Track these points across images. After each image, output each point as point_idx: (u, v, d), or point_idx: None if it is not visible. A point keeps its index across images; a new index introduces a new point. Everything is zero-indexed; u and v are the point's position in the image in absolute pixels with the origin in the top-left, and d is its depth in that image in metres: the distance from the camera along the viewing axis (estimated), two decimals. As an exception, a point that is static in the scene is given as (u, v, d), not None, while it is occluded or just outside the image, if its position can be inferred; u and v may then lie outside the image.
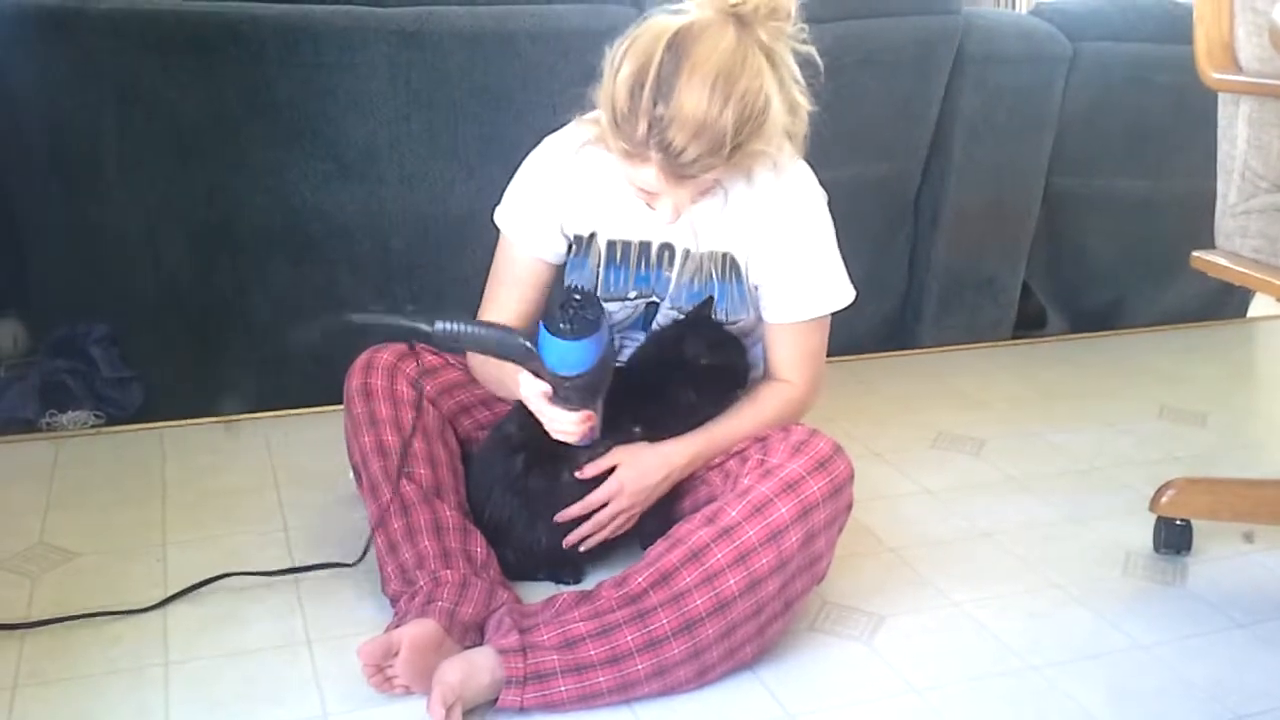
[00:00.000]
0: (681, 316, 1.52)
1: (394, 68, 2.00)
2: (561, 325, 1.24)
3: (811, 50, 1.35)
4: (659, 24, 1.29)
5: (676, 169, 1.29)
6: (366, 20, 1.97)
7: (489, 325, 1.30)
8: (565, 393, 1.30)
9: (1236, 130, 1.63)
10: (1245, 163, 1.61)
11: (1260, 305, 2.91)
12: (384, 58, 1.99)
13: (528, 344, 1.27)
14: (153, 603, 1.48)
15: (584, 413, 1.34)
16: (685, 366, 1.47)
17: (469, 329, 1.27)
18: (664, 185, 1.33)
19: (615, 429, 1.46)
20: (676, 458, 1.48)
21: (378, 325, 1.31)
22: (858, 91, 2.25)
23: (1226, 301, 2.85)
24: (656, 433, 1.49)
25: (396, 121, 2.04)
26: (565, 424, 1.35)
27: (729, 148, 1.28)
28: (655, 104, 1.26)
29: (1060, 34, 2.43)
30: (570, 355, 1.25)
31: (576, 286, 1.24)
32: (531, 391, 1.34)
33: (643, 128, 1.27)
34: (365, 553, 1.51)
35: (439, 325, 1.27)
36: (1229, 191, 1.65)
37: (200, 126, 1.97)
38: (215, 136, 1.98)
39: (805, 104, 1.36)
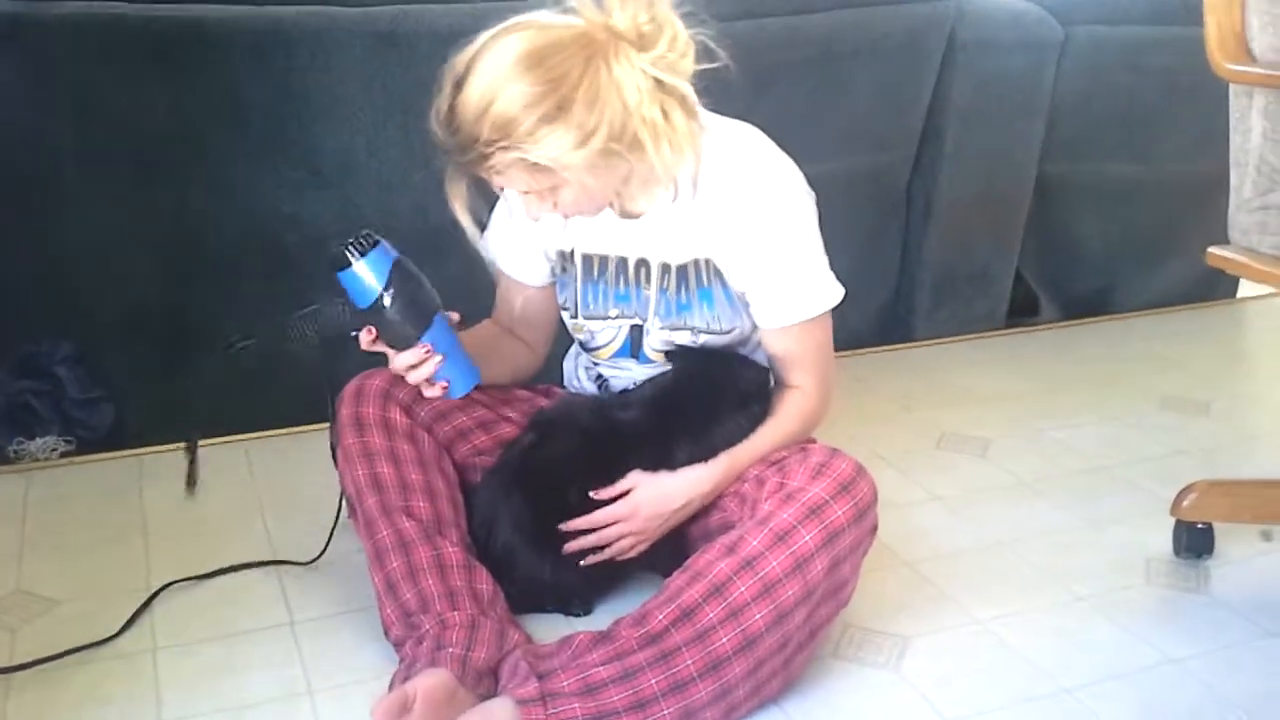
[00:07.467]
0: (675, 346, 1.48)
1: (369, 71, 1.91)
2: (341, 252, 1.30)
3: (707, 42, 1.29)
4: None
5: (473, 164, 1.26)
6: (339, 21, 1.88)
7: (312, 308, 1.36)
8: (392, 326, 1.33)
9: (1250, 123, 1.58)
10: (1261, 156, 1.56)
11: (1250, 285, 2.89)
12: (358, 61, 1.91)
13: (340, 301, 1.33)
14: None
15: (421, 347, 1.35)
16: (732, 396, 1.42)
17: (296, 315, 1.35)
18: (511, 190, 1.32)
19: (654, 460, 1.42)
20: (699, 486, 1.42)
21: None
22: (849, 82, 2.20)
23: (1217, 283, 2.83)
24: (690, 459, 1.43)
25: (373, 127, 1.95)
26: (409, 359, 1.35)
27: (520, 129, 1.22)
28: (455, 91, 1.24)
29: (1051, 18, 2.38)
30: (364, 278, 1.30)
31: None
32: (368, 343, 1.35)
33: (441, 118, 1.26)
34: (324, 549, 1.54)
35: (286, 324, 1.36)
36: (1243, 185, 1.60)
37: (165, 136, 1.88)
38: (182, 146, 1.90)
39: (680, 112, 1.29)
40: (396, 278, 1.31)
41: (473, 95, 1.23)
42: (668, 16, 1.28)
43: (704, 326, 1.47)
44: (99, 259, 1.93)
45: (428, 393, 1.41)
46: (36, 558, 1.63)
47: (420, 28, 1.90)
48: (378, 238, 1.33)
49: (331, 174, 1.96)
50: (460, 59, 1.26)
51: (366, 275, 1.30)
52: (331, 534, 1.56)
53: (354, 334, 1.35)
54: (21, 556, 1.63)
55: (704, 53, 1.30)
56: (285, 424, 2.03)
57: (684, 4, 1.30)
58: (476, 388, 1.45)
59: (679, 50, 1.28)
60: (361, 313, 1.32)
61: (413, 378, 1.39)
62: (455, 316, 1.42)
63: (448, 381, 1.40)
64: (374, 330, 1.34)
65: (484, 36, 1.26)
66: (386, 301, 1.31)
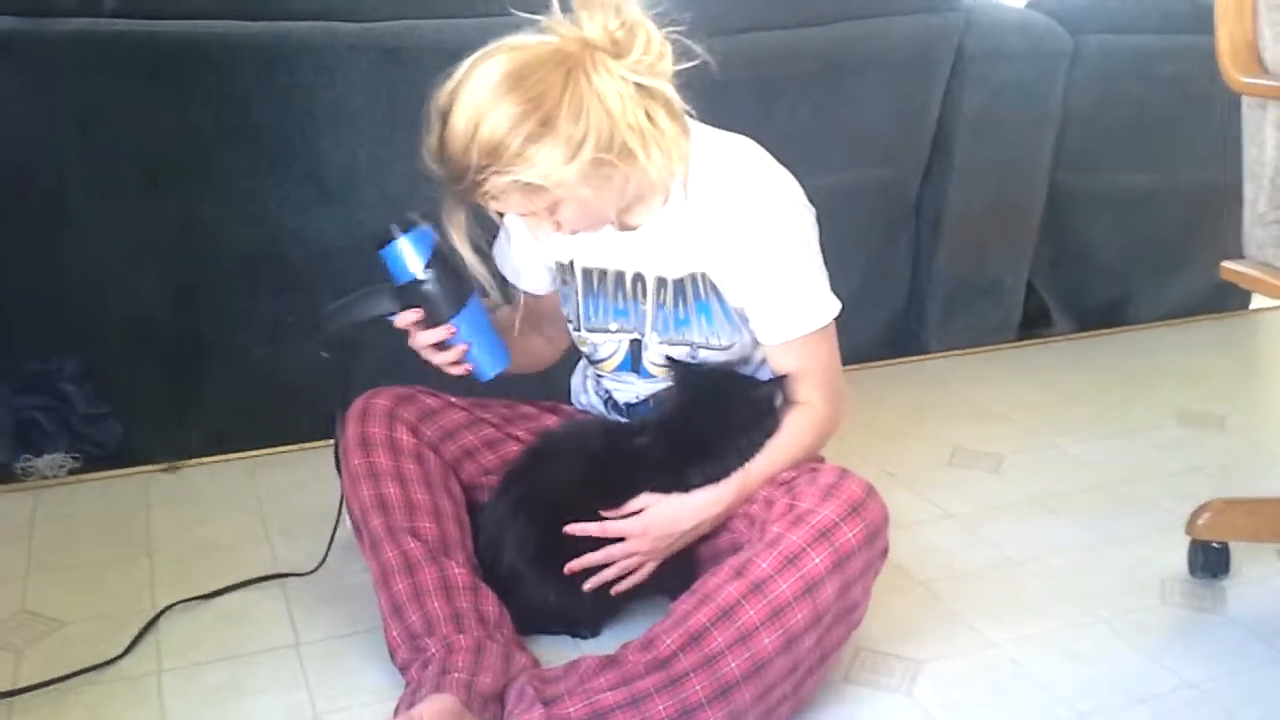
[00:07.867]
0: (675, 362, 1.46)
1: (374, 86, 1.90)
2: (388, 228, 1.35)
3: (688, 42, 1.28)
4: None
5: (468, 192, 1.26)
6: (343, 37, 1.87)
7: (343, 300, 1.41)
8: (429, 303, 1.36)
9: (1265, 135, 1.55)
10: (1276, 169, 1.54)
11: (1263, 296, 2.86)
12: (362, 76, 1.89)
13: (379, 286, 1.38)
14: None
15: (448, 326, 1.37)
16: (743, 415, 1.40)
17: (330, 308, 1.40)
18: (513, 215, 1.35)
19: (668, 485, 1.40)
20: (711, 508, 1.40)
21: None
22: (857, 94, 2.18)
23: (1232, 292, 2.79)
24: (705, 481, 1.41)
25: (377, 142, 1.94)
26: (436, 335, 1.37)
27: (509, 153, 1.21)
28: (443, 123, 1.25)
29: (1060, 27, 2.36)
30: (406, 255, 1.34)
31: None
32: (407, 322, 1.37)
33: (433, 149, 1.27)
34: (325, 556, 1.58)
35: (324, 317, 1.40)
36: (1258, 199, 1.58)
37: (171, 153, 1.87)
38: (187, 162, 1.88)
39: (664, 130, 1.28)
40: (436, 257, 1.36)
41: (459, 124, 1.23)
42: (638, 19, 1.27)
43: (703, 342, 1.45)
44: (106, 275, 1.91)
45: (453, 372, 1.42)
46: (42, 577, 1.62)
47: (425, 43, 1.89)
48: (420, 220, 1.37)
49: (336, 189, 1.95)
50: (443, 91, 1.25)
51: (409, 252, 1.35)
52: (332, 539, 1.57)
53: (390, 315, 1.38)
54: (28, 576, 1.62)
55: (683, 53, 1.28)
56: (291, 441, 2.02)
57: (657, 4, 1.28)
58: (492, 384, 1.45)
59: (655, 52, 1.27)
60: (400, 290, 1.37)
61: (438, 360, 1.40)
62: (489, 302, 1.44)
63: (474, 364, 1.41)
64: (420, 311, 1.37)
65: (463, 67, 1.26)
66: (426, 278, 1.35)
